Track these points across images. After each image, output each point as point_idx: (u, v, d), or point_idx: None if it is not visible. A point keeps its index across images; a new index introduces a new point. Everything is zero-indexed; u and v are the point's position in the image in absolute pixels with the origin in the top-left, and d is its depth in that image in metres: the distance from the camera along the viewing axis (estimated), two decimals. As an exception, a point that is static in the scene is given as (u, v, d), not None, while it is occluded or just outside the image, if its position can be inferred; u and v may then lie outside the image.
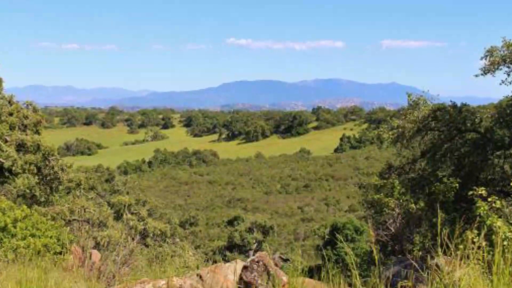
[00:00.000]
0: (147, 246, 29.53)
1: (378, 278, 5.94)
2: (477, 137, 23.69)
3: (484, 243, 6.41)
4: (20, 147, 26.26)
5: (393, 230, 26.75)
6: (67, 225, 21.25)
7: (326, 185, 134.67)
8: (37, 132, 27.93)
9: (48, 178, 26.86)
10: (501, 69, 22.29)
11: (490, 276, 5.86)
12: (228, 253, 57.35)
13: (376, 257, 6.47)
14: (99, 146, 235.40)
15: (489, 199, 15.33)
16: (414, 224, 25.47)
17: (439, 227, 6.18)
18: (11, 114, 26.98)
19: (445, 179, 22.61)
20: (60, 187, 28.35)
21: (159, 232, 31.45)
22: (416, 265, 6.69)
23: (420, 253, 21.43)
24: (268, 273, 7.91)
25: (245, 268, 8.18)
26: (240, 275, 8.10)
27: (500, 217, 14.86)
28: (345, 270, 8.34)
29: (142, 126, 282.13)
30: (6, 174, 25.63)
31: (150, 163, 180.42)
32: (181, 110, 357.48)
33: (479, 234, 7.11)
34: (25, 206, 16.45)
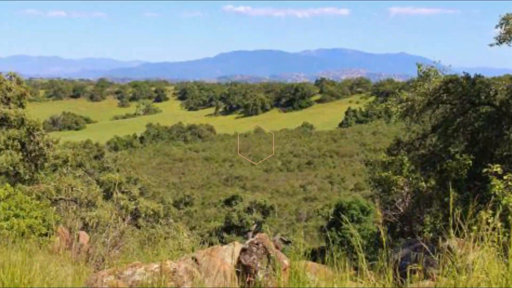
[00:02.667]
0: (138, 227, 29.60)
1: (386, 262, 5.93)
2: (492, 110, 23.60)
3: (499, 224, 6.38)
4: (3, 121, 26.23)
5: (402, 210, 26.82)
6: (53, 205, 21.26)
7: (330, 162, 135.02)
8: (21, 106, 27.88)
9: (33, 154, 26.86)
10: (517, 38, 22.15)
11: (505, 259, 5.86)
12: (225, 235, 57.68)
13: (383, 239, 6.46)
14: (87, 121, 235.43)
15: (505, 177, 15.33)
16: (425, 204, 25.52)
17: (451, 207, 6.16)
18: (-8, 86, 26.91)
19: (457, 156, 22.57)
20: (46, 164, 28.33)
21: (151, 213, 31.51)
22: (427, 248, 6.68)
23: (431, 234, 21.48)
24: (268, 256, 7.91)
25: (243, 250, 8.17)
26: (239, 258, 8.09)
27: (516, 196, 14.87)
28: (351, 252, 8.34)
29: (133, 99, 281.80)
30: (-12, 150, 25.62)
31: (142, 138, 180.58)
32: (175, 82, 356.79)
33: (494, 215, 7.08)
34: (8, 185, 16.46)
